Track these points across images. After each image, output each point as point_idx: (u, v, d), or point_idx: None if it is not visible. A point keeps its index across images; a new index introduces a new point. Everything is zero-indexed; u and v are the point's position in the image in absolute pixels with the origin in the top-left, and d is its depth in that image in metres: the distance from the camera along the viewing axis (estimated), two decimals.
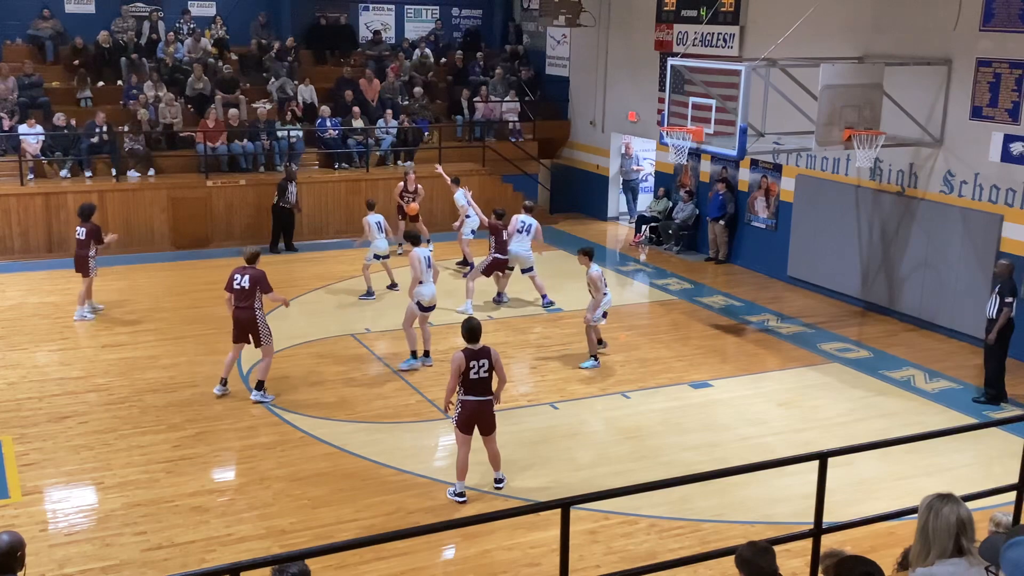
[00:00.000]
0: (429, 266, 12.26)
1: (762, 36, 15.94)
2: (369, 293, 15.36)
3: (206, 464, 9.80)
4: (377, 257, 15.48)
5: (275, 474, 9.61)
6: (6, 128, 18.09)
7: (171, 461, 9.78)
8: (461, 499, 9.06)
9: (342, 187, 19.41)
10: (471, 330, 9.02)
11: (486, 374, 8.98)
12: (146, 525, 8.55)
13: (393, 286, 15.71)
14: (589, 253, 12.53)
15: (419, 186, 18.03)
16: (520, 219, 15.03)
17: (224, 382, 11.43)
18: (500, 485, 9.37)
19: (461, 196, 16.87)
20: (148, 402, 11.22)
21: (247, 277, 11.06)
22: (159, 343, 13.15)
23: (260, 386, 11.29)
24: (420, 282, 12.13)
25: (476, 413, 9.01)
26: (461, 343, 9.13)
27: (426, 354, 12.51)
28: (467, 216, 16.71)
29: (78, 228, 14.12)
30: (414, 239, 12.66)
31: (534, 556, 8.17)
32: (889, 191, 14.97)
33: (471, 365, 8.89)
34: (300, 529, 8.56)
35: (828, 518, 6.08)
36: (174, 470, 9.59)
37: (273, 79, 20.73)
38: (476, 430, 9.10)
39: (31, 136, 17.83)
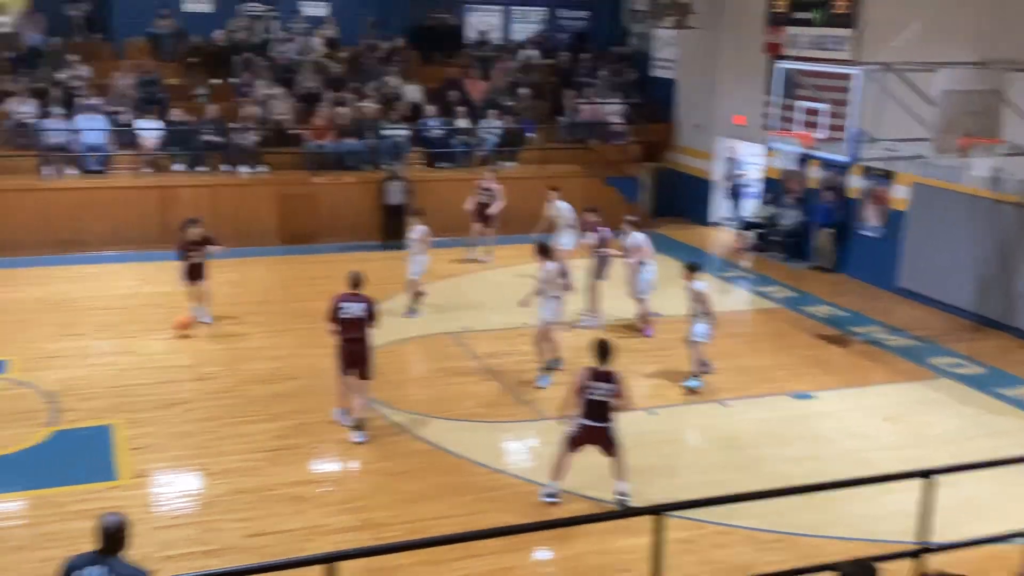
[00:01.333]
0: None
1: (877, 39, 15.49)
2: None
3: (306, 455, 10.01)
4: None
5: (372, 468, 9.76)
6: (125, 123, 18.84)
7: (273, 450, 10.02)
8: (553, 499, 8.99)
9: (445, 186, 19.58)
10: (602, 349, 8.73)
11: (604, 398, 8.64)
12: (247, 512, 8.77)
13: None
14: (694, 268, 12.02)
15: (496, 187, 17.79)
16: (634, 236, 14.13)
17: (346, 411, 10.52)
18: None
19: (565, 207, 16.33)
20: (252, 392, 11.51)
21: (360, 306, 10.12)
22: (264, 335, 13.49)
23: (361, 425, 10.33)
24: (556, 296, 11.91)
25: (587, 438, 8.77)
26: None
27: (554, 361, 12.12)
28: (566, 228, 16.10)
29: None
30: (545, 250, 12.11)
31: (626, 562, 8.10)
32: (1008, 202, 14.35)
33: (590, 385, 8.63)
34: (395, 523, 8.66)
35: (933, 538, 5.85)
36: (276, 459, 9.82)
37: (380, 79, 21.06)
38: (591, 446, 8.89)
39: (149, 131, 18.51)
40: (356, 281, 10.32)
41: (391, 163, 19.17)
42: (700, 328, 11.80)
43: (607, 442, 8.82)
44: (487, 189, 17.56)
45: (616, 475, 9.00)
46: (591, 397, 8.60)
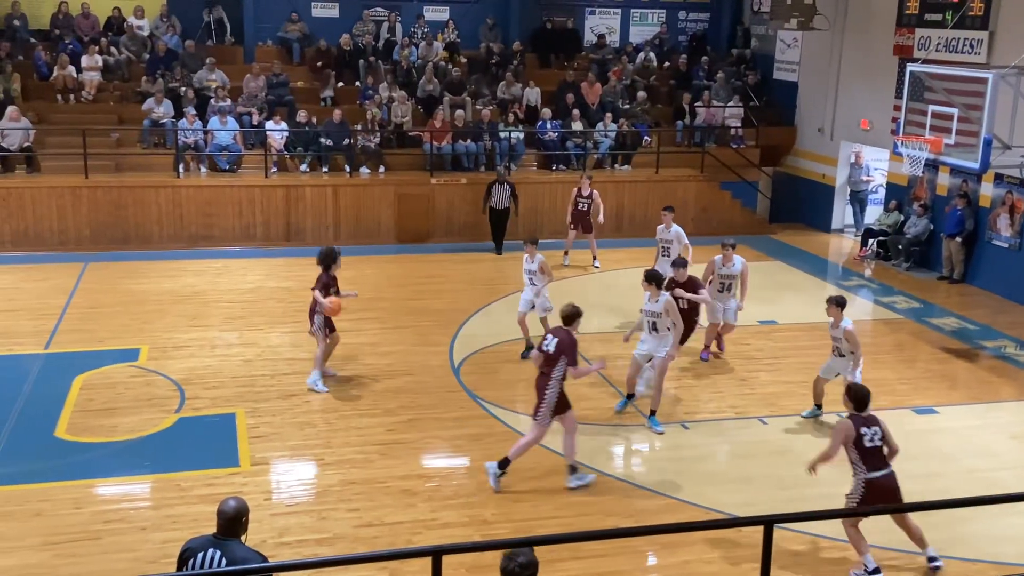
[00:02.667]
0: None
1: (1013, 42, 14.83)
2: None
3: (417, 450, 10.20)
4: None
5: (480, 466, 9.85)
6: (255, 123, 19.53)
7: (385, 444, 10.23)
8: (934, 563, 8.03)
9: (559, 189, 19.64)
10: (860, 397, 7.91)
11: (880, 443, 7.84)
12: (359, 503, 8.99)
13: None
14: (841, 304, 10.56)
15: (595, 192, 17.19)
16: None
17: (502, 464, 9.36)
18: (936, 564, 8.11)
19: (678, 232, 14.32)
20: (367, 387, 11.78)
21: (555, 341, 9.13)
22: (380, 331, 13.78)
23: (573, 470, 9.47)
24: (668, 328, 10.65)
25: (885, 490, 7.71)
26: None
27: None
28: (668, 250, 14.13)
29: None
30: (657, 279, 10.75)
31: (734, 573, 7.97)
32: None
33: (862, 432, 7.75)
34: (501, 520, 8.74)
35: None
36: (387, 453, 10.03)
37: (498, 83, 21.27)
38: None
39: (276, 132, 19.16)
40: (569, 317, 9.27)
41: (500, 167, 19.27)
42: (854, 371, 10.46)
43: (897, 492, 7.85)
44: (586, 196, 17.12)
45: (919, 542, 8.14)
46: (869, 444, 7.76)
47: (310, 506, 8.96)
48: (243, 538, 5.66)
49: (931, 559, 8.05)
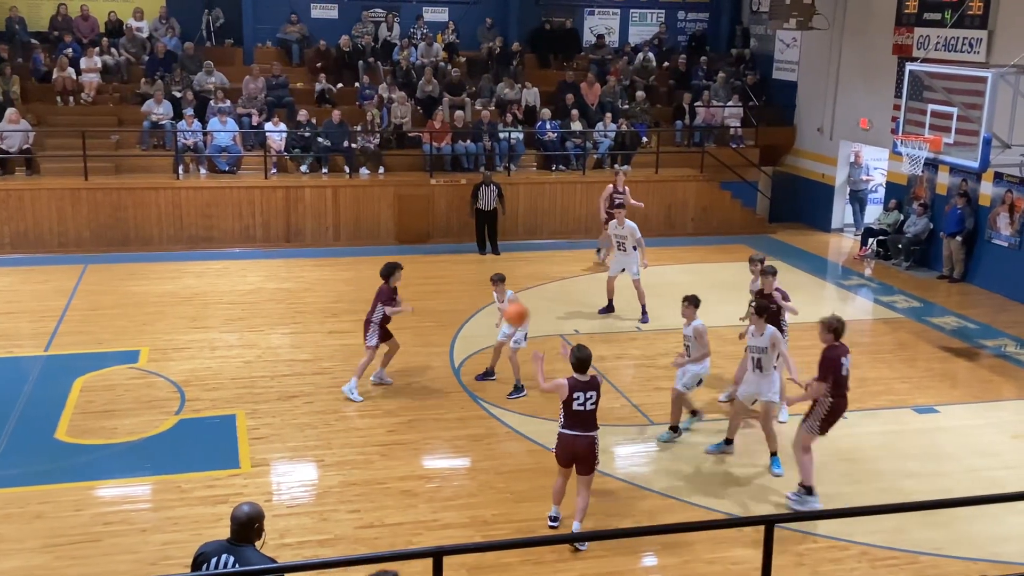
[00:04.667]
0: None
1: (1013, 41, 14.82)
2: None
3: (417, 451, 10.19)
4: None
5: (481, 466, 9.87)
6: (254, 124, 19.53)
7: (385, 445, 10.23)
8: (552, 523, 8.59)
9: (558, 189, 19.66)
10: (580, 360, 8.25)
11: (592, 407, 8.25)
12: (360, 504, 8.99)
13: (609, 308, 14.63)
14: (695, 303, 10.27)
15: (627, 188, 17.24)
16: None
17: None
18: (554, 524, 8.56)
19: (633, 228, 14.37)
20: (366, 388, 11.76)
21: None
22: None
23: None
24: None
25: (567, 448, 8.30)
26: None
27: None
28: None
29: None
30: (767, 311, 9.91)
31: (735, 572, 7.96)
32: None
33: (575, 396, 8.20)
34: (501, 521, 8.74)
35: None
36: (388, 454, 10.03)
37: (497, 83, 21.26)
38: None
39: (276, 133, 19.15)
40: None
41: (483, 168, 19.18)
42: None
43: (589, 455, 8.33)
44: (620, 192, 16.93)
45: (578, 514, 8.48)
46: (578, 407, 8.19)
47: (311, 507, 8.96)
48: (259, 544, 5.58)
49: (553, 518, 8.54)
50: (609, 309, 14.71)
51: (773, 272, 10.90)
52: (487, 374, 12.08)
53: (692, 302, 10.24)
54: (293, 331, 13.73)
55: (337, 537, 8.42)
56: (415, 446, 10.28)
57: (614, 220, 14.73)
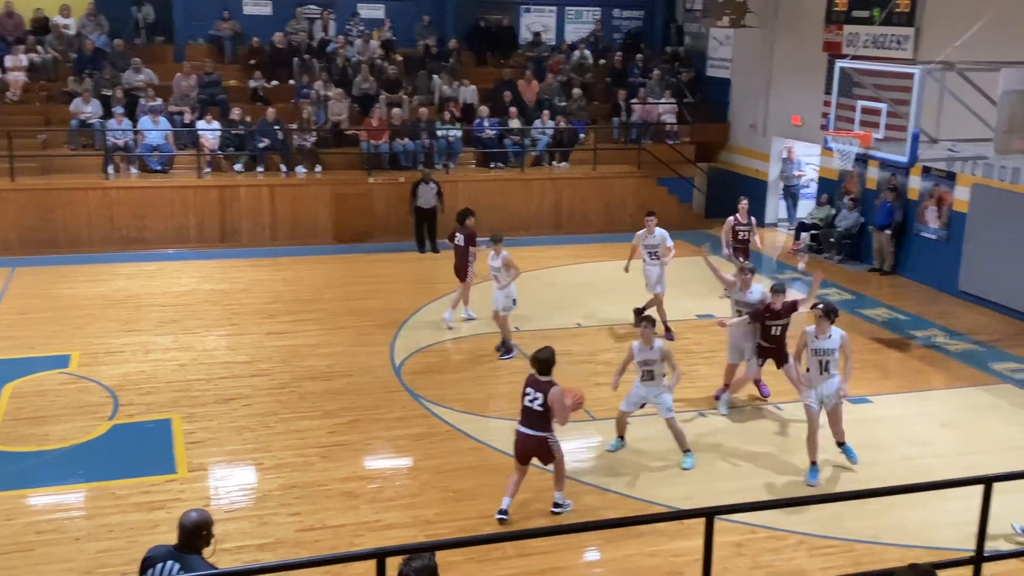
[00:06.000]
0: None
1: (938, 38, 15.18)
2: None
3: (358, 451, 10.11)
4: None
5: (423, 465, 9.83)
6: (186, 123, 19.20)
7: (325, 446, 10.13)
8: (501, 516, 8.64)
9: (497, 186, 19.67)
10: (539, 361, 8.50)
11: (540, 408, 8.41)
12: (300, 507, 8.89)
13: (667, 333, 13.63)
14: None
15: (753, 219, 15.22)
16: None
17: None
18: (555, 510, 8.83)
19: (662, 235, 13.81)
20: (306, 388, 11.65)
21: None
22: (319, 332, 13.64)
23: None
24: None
25: (517, 443, 8.61)
26: None
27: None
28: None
29: (456, 234, 13.89)
30: (835, 313, 9.83)
31: (676, 565, 8.05)
32: None
33: (527, 391, 8.51)
34: (444, 520, 8.71)
35: (991, 546, 5.73)
36: (328, 455, 9.93)
37: (434, 80, 21.19)
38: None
39: (209, 132, 18.84)
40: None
41: (422, 166, 19.10)
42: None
43: (537, 451, 8.59)
44: (745, 225, 15.00)
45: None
46: (527, 403, 8.45)
47: (250, 511, 8.83)
48: (208, 551, 5.51)
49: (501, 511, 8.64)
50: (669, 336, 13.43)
51: (783, 289, 10.86)
52: (508, 350, 12.66)
53: (652, 323, 9.94)
54: (230, 333, 13.53)
55: (277, 541, 8.32)
56: (356, 447, 10.20)
57: (643, 230, 13.59)
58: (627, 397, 10.08)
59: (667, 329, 13.56)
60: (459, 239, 13.85)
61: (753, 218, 15.15)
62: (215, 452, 9.94)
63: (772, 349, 10.93)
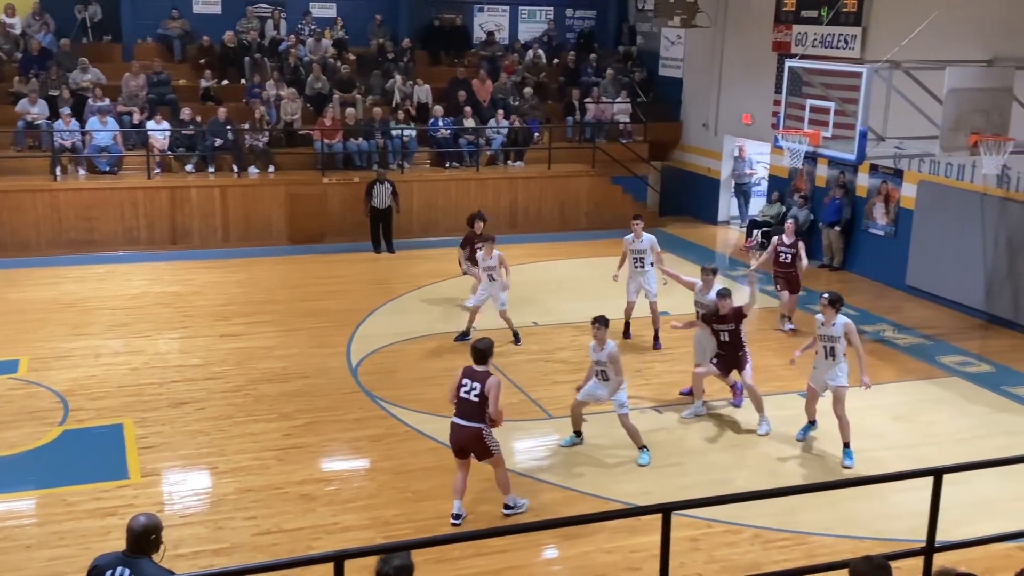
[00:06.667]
0: None
1: (885, 38, 15.45)
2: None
3: (315, 454, 10.05)
4: None
5: (381, 466, 9.80)
6: (135, 123, 18.92)
7: (282, 449, 10.06)
8: (455, 521, 8.61)
9: (452, 186, 19.65)
10: (476, 351, 8.53)
11: (476, 398, 8.39)
12: (256, 510, 8.81)
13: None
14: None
15: (802, 244, 14.05)
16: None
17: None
18: (507, 512, 8.81)
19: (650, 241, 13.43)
20: (262, 391, 11.56)
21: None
22: (274, 334, 13.53)
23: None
24: None
25: (452, 435, 8.57)
26: None
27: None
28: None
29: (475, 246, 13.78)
30: (841, 302, 10.25)
31: (634, 560, 8.11)
32: (1017, 200, 14.32)
33: (463, 383, 8.49)
34: (403, 521, 8.69)
35: (942, 537, 5.87)
36: (284, 458, 9.86)
37: (388, 80, 21.10)
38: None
39: (158, 132, 18.59)
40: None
41: (377, 166, 19.02)
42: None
43: (473, 444, 8.53)
44: (787, 247, 13.99)
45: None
46: (463, 395, 8.44)
47: (205, 516, 8.74)
48: (158, 556, 5.43)
49: (506, 506, 8.81)
50: (627, 335, 13.53)
51: (729, 294, 10.90)
52: (464, 335, 13.10)
53: (603, 323, 9.82)
54: (182, 336, 13.37)
55: (233, 546, 8.24)
56: (313, 449, 10.14)
57: (631, 234, 13.30)
58: (583, 390, 10.12)
59: (627, 329, 13.63)
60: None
61: (801, 243, 13.81)
62: (169, 457, 9.82)
63: (723, 356, 10.96)
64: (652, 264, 13.22)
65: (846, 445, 10.16)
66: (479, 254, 13.36)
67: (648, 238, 13.31)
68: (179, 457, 9.83)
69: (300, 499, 9.05)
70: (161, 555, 5.46)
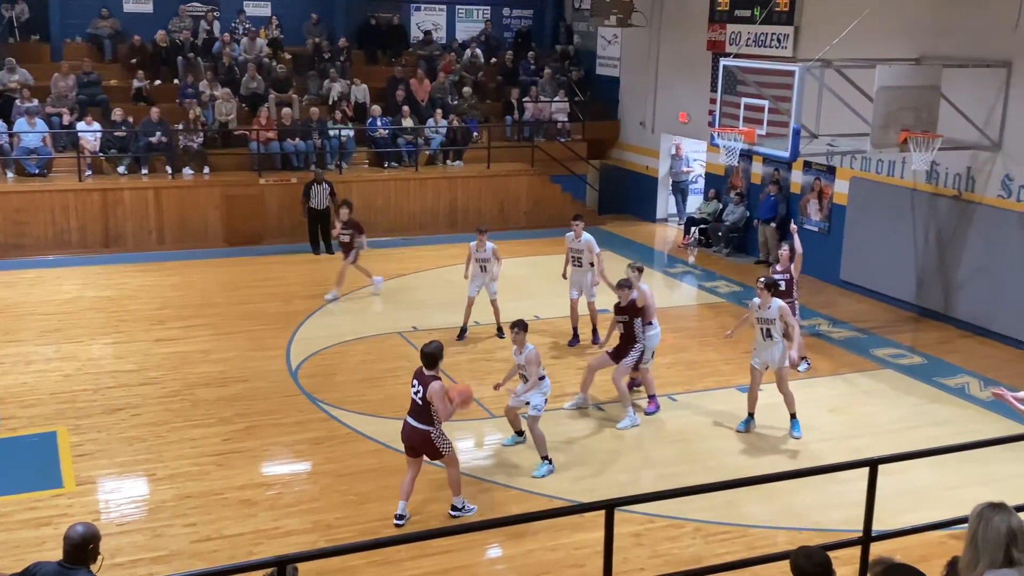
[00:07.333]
0: None
1: (817, 37, 15.74)
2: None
3: (255, 458, 9.92)
4: None
5: (322, 469, 9.71)
6: (65, 124, 18.49)
7: (221, 454, 9.91)
8: (398, 522, 8.60)
9: (391, 186, 19.55)
10: (424, 355, 8.52)
11: (421, 401, 8.43)
12: (196, 517, 8.67)
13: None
14: (524, 328, 9.95)
15: (793, 268, 12.56)
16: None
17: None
18: (454, 514, 8.80)
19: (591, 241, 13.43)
20: (199, 396, 11.38)
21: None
22: (211, 338, 13.33)
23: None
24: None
25: (403, 432, 8.64)
26: None
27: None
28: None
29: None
30: (775, 286, 10.95)
31: (578, 557, 8.15)
32: (946, 195, 14.69)
33: (413, 383, 8.57)
34: (346, 524, 8.63)
35: (878, 526, 5.98)
36: (224, 463, 9.72)
37: (324, 79, 20.92)
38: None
39: (89, 133, 18.19)
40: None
41: (314, 167, 18.85)
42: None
43: (420, 442, 8.56)
44: (781, 273, 12.39)
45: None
46: (413, 395, 8.50)
47: (143, 523, 8.58)
48: (95, 567, 5.33)
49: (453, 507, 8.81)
50: (575, 340, 13.43)
51: (629, 285, 10.94)
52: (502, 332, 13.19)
53: (522, 328, 9.86)
54: (116, 341, 13.10)
55: (172, 553, 8.10)
56: (253, 453, 10.01)
57: (571, 232, 13.28)
58: (512, 396, 10.14)
59: (575, 334, 13.51)
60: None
61: (793, 267, 12.43)
62: (104, 464, 9.62)
63: (617, 346, 11.04)
64: (592, 264, 13.20)
65: (792, 416, 10.61)
66: (472, 245, 13.40)
67: (586, 238, 13.28)
68: (115, 464, 9.64)
69: (240, 504, 8.93)
70: (99, 565, 5.36)
